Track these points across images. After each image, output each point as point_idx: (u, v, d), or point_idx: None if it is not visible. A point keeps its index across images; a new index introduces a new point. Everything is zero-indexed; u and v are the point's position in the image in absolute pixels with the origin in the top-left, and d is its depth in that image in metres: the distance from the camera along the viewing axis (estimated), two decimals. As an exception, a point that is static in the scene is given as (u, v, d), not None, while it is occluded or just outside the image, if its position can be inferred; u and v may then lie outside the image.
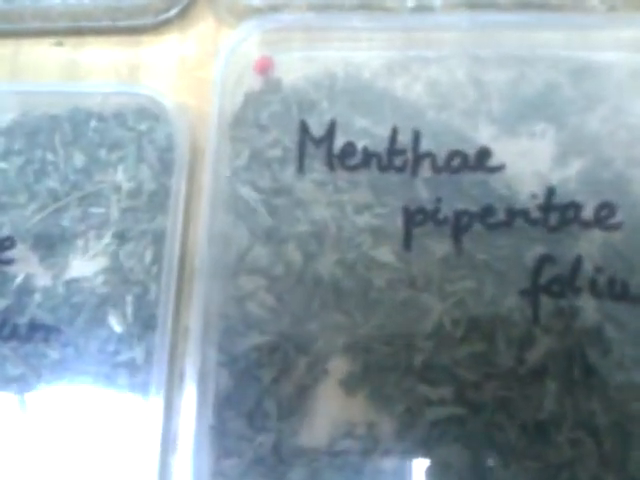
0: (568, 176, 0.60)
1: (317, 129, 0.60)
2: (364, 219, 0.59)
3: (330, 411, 0.55)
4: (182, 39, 0.69)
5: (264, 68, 0.63)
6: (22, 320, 0.59)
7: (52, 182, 0.63)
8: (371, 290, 0.57)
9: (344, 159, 0.60)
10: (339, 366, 0.56)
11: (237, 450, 0.54)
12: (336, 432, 0.55)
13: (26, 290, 0.60)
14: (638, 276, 0.56)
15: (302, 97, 0.63)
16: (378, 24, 0.65)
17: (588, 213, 0.57)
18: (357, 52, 0.64)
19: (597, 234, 0.58)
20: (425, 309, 0.56)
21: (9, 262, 0.61)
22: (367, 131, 0.61)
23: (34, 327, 0.58)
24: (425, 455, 0.53)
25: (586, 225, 0.57)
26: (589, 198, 0.58)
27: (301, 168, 0.60)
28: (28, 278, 0.61)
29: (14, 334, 0.58)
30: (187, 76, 0.68)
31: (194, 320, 0.56)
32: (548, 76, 0.63)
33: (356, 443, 0.54)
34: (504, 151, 0.60)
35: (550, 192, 0.58)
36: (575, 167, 0.61)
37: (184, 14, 0.69)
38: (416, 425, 0.54)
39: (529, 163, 0.61)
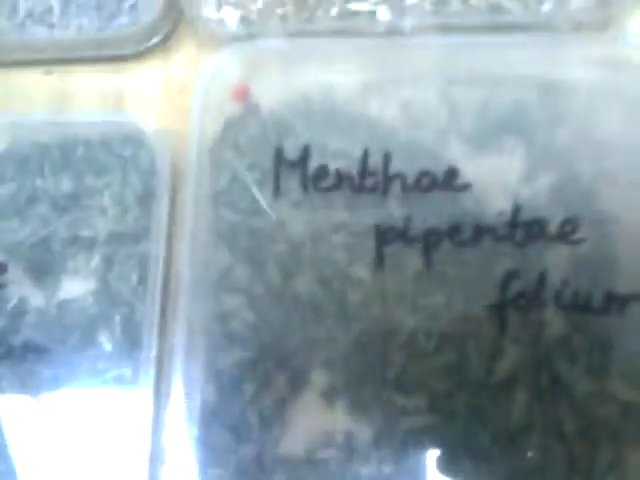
0: (537, 191, 0.62)
1: (293, 152, 0.63)
2: (340, 237, 0.61)
3: (310, 421, 0.58)
4: (165, 66, 0.71)
5: (241, 95, 0.65)
6: (16, 341, 0.61)
7: (42, 207, 0.65)
8: (347, 306, 0.59)
9: (318, 181, 0.62)
10: (318, 379, 0.59)
11: (222, 461, 0.57)
12: (316, 441, 0.57)
13: (20, 312, 0.63)
14: (601, 289, 0.57)
15: (279, 120, 0.65)
16: (351, 49, 0.67)
17: (553, 228, 0.59)
18: (332, 76, 0.66)
19: (564, 248, 0.59)
20: (398, 323, 0.59)
21: (2, 286, 0.63)
22: (342, 152, 0.63)
23: (28, 347, 0.61)
24: (401, 462, 0.56)
25: (551, 240, 0.59)
26: (557, 213, 0.60)
27: (277, 191, 0.62)
28: (22, 300, 0.63)
29: (9, 354, 0.61)
30: (170, 102, 0.70)
31: (179, 337, 0.58)
32: (517, 94, 0.65)
33: (335, 451, 0.57)
34: (474, 169, 0.62)
35: (516, 209, 0.60)
36: (544, 182, 0.62)
37: (166, 42, 0.71)
38: (392, 433, 0.57)
39: (498, 179, 0.62)
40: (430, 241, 0.59)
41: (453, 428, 0.56)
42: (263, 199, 0.62)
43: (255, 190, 0.62)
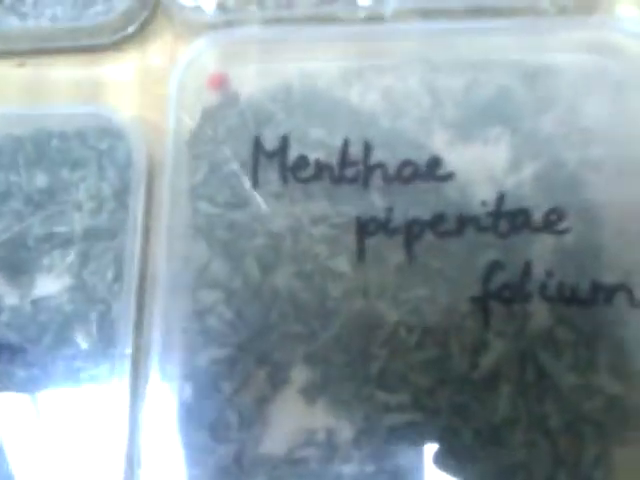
0: (523, 180, 0.61)
1: (273, 142, 0.61)
2: (320, 230, 0.60)
3: (290, 420, 0.57)
4: (141, 56, 0.70)
5: (218, 84, 0.63)
6: (-11, 340, 0.60)
7: (16, 203, 0.64)
8: (328, 300, 0.58)
9: (297, 172, 0.60)
10: (298, 375, 0.57)
11: (200, 461, 0.56)
12: (296, 440, 0.56)
13: (-6, 310, 0.61)
14: (587, 279, 0.56)
15: (258, 110, 0.64)
16: (331, 35, 0.65)
17: (538, 218, 0.58)
18: (312, 63, 0.65)
19: (548, 238, 0.58)
20: (380, 317, 0.57)
21: (-25, 283, 0.62)
22: (322, 142, 0.62)
23: (1, 347, 0.60)
24: (383, 460, 0.55)
25: (536, 230, 0.58)
26: (542, 202, 0.59)
27: (256, 183, 0.60)
28: (-5, 298, 0.62)
29: (-19, 354, 0.60)
30: (147, 93, 0.68)
31: (155, 335, 0.57)
32: (501, 80, 0.64)
33: (316, 450, 0.56)
34: (458, 157, 0.61)
35: (500, 199, 0.58)
36: (529, 171, 0.61)
37: (142, 31, 0.70)
38: (374, 431, 0.55)
39: (483, 168, 0.61)
40: (412, 232, 0.58)
41: (436, 425, 0.55)
42: (246, 190, 0.61)
43: (244, 180, 0.60)
